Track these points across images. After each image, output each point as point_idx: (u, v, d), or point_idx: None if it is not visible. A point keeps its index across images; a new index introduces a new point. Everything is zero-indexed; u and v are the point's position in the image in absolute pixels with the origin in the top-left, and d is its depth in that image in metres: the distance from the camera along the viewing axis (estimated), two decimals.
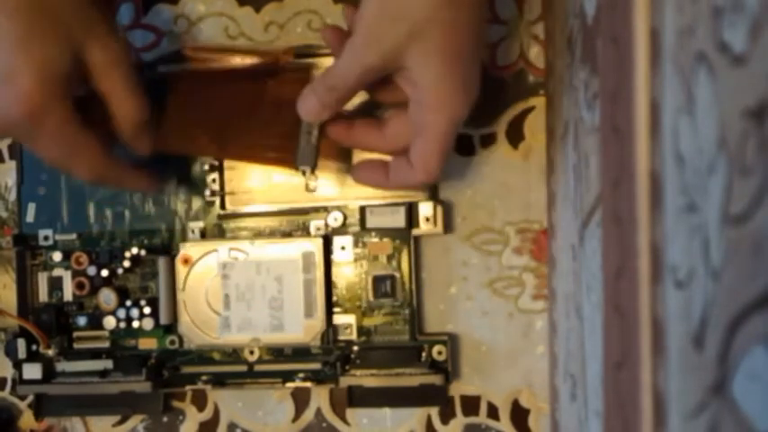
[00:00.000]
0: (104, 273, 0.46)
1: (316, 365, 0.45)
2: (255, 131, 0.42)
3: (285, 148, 0.41)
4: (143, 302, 0.45)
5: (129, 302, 0.46)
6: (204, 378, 0.46)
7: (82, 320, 0.46)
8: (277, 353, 0.46)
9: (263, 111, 0.42)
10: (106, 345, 0.47)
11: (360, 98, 0.41)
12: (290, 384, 0.45)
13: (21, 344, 0.46)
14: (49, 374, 0.47)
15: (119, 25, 0.38)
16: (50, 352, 0.46)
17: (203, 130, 0.42)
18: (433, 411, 0.46)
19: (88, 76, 0.37)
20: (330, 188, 0.45)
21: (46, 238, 0.47)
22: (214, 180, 0.46)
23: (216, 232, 0.46)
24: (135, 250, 0.46)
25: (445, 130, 0.37)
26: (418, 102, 0.37)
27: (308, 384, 0.45)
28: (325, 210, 0.46)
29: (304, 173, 0.42)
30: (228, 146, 0.43)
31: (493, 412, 0.46)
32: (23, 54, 0.34)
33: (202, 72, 0.45)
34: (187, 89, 0.43)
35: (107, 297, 0.46)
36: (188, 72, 0.44)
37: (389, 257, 0.45)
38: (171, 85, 0.43)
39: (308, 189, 0.45)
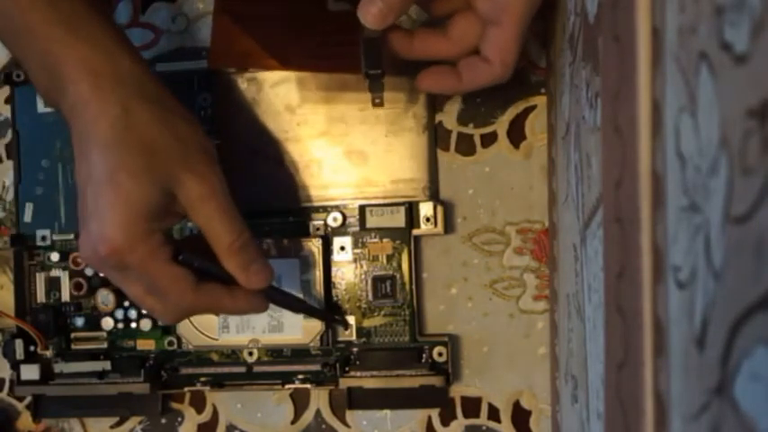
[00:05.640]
0: (102, 273, 0.46)
1: (315, 367, 0.45)
2: (316, 41, 0.41)
3: (349, 56, 0.40)
4: None
5: (126, 303, 0.46)
6: (203, 379, 0.46)
7: (80, 321, 0.46)
8: (276, 354, 0.46)
9: (322, 20, 0.41)
10: (104, 346, 0.46)
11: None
12: (289, 386, 0.45)
13: (18, 345, 0.46)
14: (47, 375, 0.47)
15: (213, 157, 0.36)
16: (48, 353, 0.46)
17: (263, 43, 0.41)
18: (434, 413, 0.46)
19: (185, 209, 0.36)
20: (330, 188, 0.45)
21: (43, 238, 0.47)
22: None
23: None
24: None
25: (523, 12, 0.36)
26: None
27: (308, 386, 0.45)
28: (325, 210, 0.45)
29: (372, 80, 0.41)
30: (290, 57, 0.41)
31: (494, 414, 0.46)
32: (111, 191, 0.33)
33: None
34: (244, 3, 0.42)
35: (105, 298, 0.46)
36: None
37: (389, 258, 0.45)
38: (228, 1, 0.42)
39: (374, 104, 0.44)
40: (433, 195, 0.45)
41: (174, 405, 0.48)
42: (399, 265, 0.45)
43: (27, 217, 0.47)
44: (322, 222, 0.45)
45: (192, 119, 0.36)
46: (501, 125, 0.46)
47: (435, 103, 0.46)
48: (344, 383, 0.45)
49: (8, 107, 0.48)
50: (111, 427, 0.48)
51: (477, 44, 0.38)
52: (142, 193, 0.33)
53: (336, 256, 0.45)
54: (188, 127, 0.36)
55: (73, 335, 0.47)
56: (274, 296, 0.40)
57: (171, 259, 0.35)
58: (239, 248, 0.36)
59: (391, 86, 0.45)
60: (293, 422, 0.47)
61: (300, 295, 0.44)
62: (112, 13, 0.38)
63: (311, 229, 0.45)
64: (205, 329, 0.45)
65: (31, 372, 0.46)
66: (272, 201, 0.46)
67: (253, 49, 0.40)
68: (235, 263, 0.36)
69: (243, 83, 0.46)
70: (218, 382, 0.46)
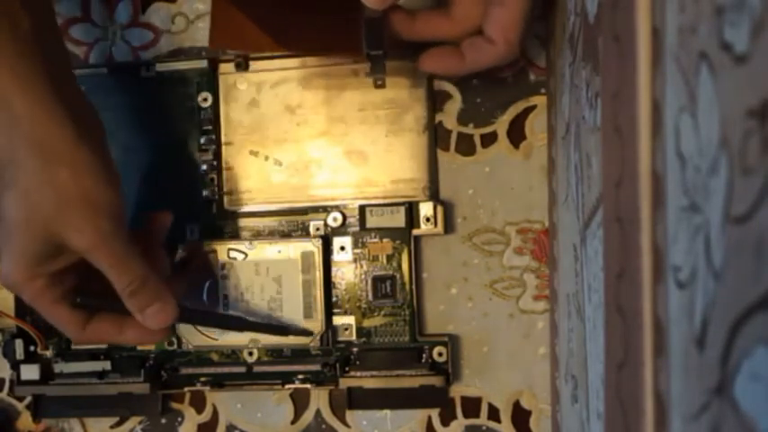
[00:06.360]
0: None
1: (315, 367, 0.45)
2: (316, 23, 0.41)
3: (350, 37, 0.40)
4: None
5: None
6: (203, 379, 0.46)
7: None
8: (276, 354, 0.46)
9: (322, 1, 0.40)
10: (104, 345, 0.46)
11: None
12: (289, 386, 0.45)
13: (18, 345, 0.46)
14: (47, 375, 0.46)
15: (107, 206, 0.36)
16: (48, 353, 0.46)
17: (263, 25, 0.40)
18: (434, 413, 0.46)
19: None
20: (330, 188, 0.45)
21: None
22: (212, 180, 0.46)
23: (214, 232, 0.46)
24: None
25: None
26: None
27: (308, 386, 0.45)
28: (325, 210, 0.45)
29: (374, 61, 0.40)
30: (291, 39, 0.41)
31: (494, 414, 0.46)
32: (4, 234, 0.36)
33: None
34: None
35: None
36: None
37: (389, 258, 0.45)
38: None
39: (376, 85, 0.43)
40: (433, 195, 0.45)
41: (174, 405, 0.48)
42: (399, 265, 0.45)
43: None
44: (322, 222, 0.45)
45: (80, 160, 0.35)
46: (501, 125, 0.46)
47: (435, 103, 0.46)
48: (344, 383, 0.45)
49: None
50: (111, 427, 0.48)
51: (481, 24, 0.38)
52: (24, 243, 0.35)
53: (336, 256, 0.45)
54: (70, 176, 0.35)
55: None
56: (199, 321, 0.44)
57: (58, 300, 0.37)
58: (131, 293, 0.37)
59: (392, 85, 0.45)
60: (293, 422, 0.47)
61: (300, 296, 0.44)
62: (42, 33, 0.36)
63: (311, 229, 0.45)
64: (205, 330, 0.45)
65: (31, 372, 0.46)
66: (272, 201, 0.46)
67: (252, 31, 0.40)
68: (130, 305, 0.38)
69: (243, 83, 0.46)
70: (218, 382, 0.46)
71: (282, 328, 0.43)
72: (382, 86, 0.44)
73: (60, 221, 0.35)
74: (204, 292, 0.44)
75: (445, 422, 0.46)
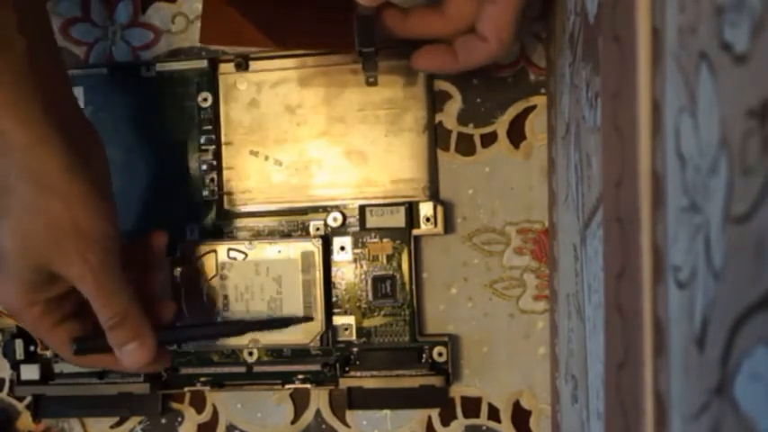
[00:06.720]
0: None
1: (315, 367, 0.45)
2: (309, 19, 0.40)
3: (342, 34, 0.39)
4: None
5: None
6: (203, 379, 0.46)
7: None
8: (276, 354, 0.46)
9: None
10: None
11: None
12: (289, 386, 0.45)
13: (18, 344, 0.46)
14: (47, 375, 0.46)
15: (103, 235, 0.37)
16: (48, 353, 0.46)
17: (255, 21, 0.40)
18: (434, 413, 0.46)
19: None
20: (330, 188, 0.45)
21: None
22: (212, 180, 0.46)
23: (214, 232, 0.46)
24: None
25: None
26: None
27: (308, 386, 0.45)
28: (325, 210, 0.45)
29: (366, 58, 0.40)
30: (283, 36, 0.41)
31: (494, 414, 0.46)
32: (4, 271, 0.36)
33: None
34: None
35: None
36: None
37: (389, 258, 0.45)
38: None
39: (368, 83, 0.43)
40: (433, 195, 0.45)
41: (174, 405, 0.48)
42: (399, 265, 0.45)
43: None
44: (322, 222, 0.45)
45: (74, 191, 0.35)
46: (501, 125, 0.46)
47: (435, 103, 0.46)
48: (344, 383, 0.45)
49: None
50: (111, 427, 0.48)
51: (474, 22, 0.38)
52: (19, 271, 0.36)
53: (336, 256, 0.45)
54: (63, 207, 0.35)
55: None
56: (196, 337, 0.44)
57: (56, 325, 0.38)
58: (112, 327, 0.37)
59: (392, 85, 0.45)
60: (293, 422, 0.47)
61: (300, 296, 0.44)
62: (40, 56, 0.35)
63: (311, 229, 0.45)
64: None
65: (31, 372, 0.46)
66: (272, 201, 0.46)
67: (244, 27, 0.40)
68: (110, 339, 0.38)
69: (243, 83, 0.46)
70: (218, 382, 0.46)
71: (282, 321, 0.43)
72: (374, 84, 0.44)
73: (51, 251, 0.35)
74: (204, 293, 0.44)
75: (445, 422, 0.46)
